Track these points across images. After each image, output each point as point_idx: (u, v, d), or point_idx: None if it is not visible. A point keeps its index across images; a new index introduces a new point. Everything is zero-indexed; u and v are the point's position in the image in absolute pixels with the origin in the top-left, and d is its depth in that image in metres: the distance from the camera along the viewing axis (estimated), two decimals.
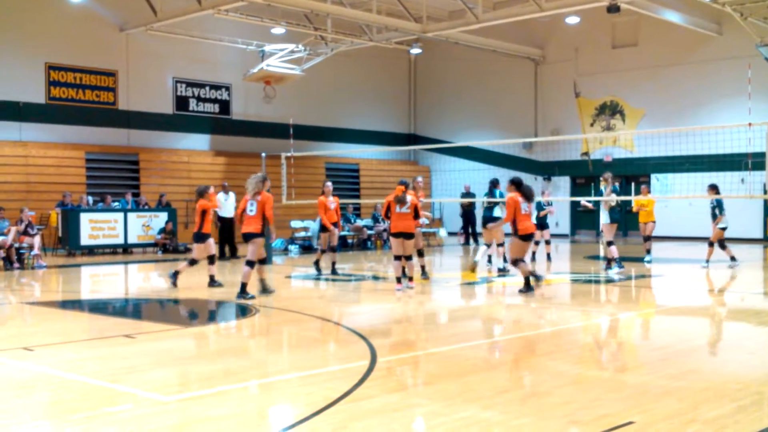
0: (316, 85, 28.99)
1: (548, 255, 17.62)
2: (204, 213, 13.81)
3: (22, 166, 23.20)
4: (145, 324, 10.54)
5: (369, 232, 24.75)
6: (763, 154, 11.82)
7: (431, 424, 5.39)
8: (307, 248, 23.15)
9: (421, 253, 14.47)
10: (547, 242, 17.69)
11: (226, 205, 19.95)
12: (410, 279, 12.95)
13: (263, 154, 19.30)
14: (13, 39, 23.57)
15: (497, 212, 16.20)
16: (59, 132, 24.51)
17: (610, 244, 16.07)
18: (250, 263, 11.92)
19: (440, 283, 14.38)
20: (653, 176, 27.83)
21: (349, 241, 24.60)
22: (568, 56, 29.79)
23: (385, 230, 23.38)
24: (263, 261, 12.35)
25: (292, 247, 23.25)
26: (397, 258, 12.74)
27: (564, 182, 29.94)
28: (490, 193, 16.58)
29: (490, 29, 25.29)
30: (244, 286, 11.88)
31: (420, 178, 14.90)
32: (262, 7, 22.35)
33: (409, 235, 12.73)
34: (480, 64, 31.40)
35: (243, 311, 10.79)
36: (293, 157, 19.05)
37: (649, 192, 17.50)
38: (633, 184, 28.04)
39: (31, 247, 17.97)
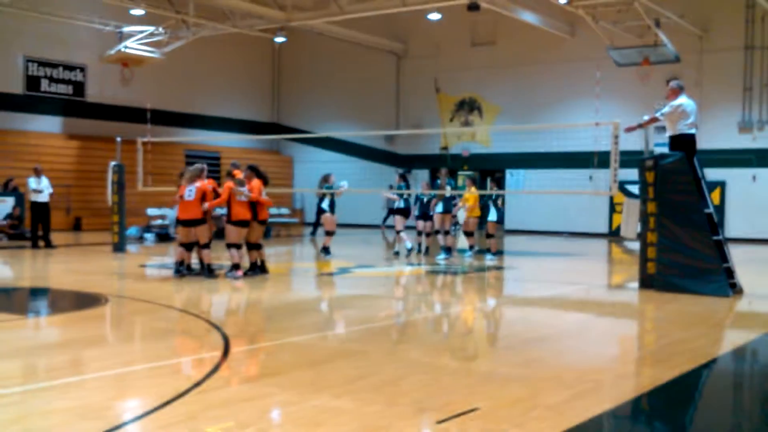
0: (176, 69, 28.30)
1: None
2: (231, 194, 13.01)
3: None
4: None
5: None
6: (608, 153, 12.43)
7: (282, 413, 5.41)
8: (163, 237, 22.62)
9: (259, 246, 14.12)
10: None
11: (39, 188, 18.75)
12: (237, 267, 12.96)
13: (118, 139, 18.69)
14: None
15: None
16: None
17: (446, 233, 17.33)
18: (206, 246, 12.80)
19: (298, 273, 14.37)
20: (507, 171, 28.76)
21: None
22: (429, 52, 30.33)
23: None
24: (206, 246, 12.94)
25: (148, 236, 22.67)
26: (236, 246, 12.96)
27: (423, 175, 30.48)
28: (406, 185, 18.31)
29: (355, 21, 25.43)
30: (209, 266, 12.80)
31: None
32: None
33: (247, 224, 12.87)
34: (344, 56, 31.52)
35: (93, 300, 10.44)
36: (150, 142, 18.54)
37: (474, 187, 18.06)
38: (489, 179, 28.98)
39: None
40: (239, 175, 12.92)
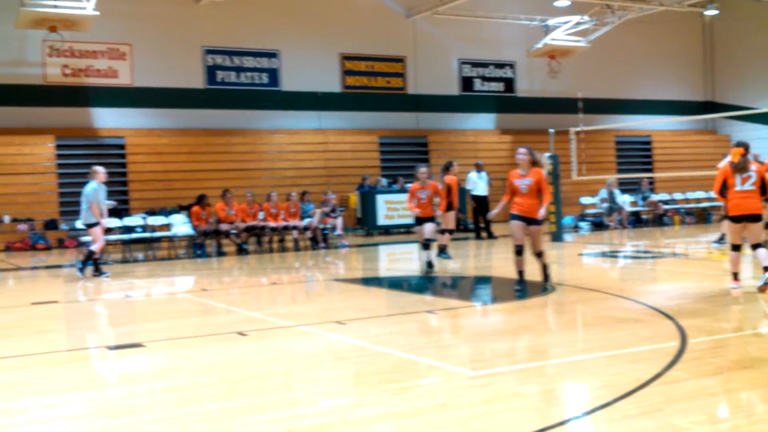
0: (602, 56, 28.07)
1: None
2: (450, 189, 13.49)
3: (321, 153, 24.83)
4: (443, 300, 10.79)
5: (665, 207, 23.70)
6: None
7: (755, 411, 4.98)
8: (598, 225, 22.58)
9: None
10: None
11: (478, 183, 20.09)
12: (765, 269, 9.74)
13: (551, 131, 19.01)
14: (312, 34, 25.18)
15: None
16: (354, 119, 25.88)
17: None
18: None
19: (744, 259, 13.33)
20: None
21: (644, 217, 23.72)
22: None
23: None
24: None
25: (583, 224, 22.78)
26: (736, 248, 10.13)
27: None
28: None
29: None
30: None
31: (424, 168, 13.04)
32: None
33: (755, 218, 9.89)
34: None
35: (537, 289, 10.68)
36: (582, 131, 18.59)
37: None
38: None
39: (334, 228, 19.16)
40: (738, 155, 9.92)
